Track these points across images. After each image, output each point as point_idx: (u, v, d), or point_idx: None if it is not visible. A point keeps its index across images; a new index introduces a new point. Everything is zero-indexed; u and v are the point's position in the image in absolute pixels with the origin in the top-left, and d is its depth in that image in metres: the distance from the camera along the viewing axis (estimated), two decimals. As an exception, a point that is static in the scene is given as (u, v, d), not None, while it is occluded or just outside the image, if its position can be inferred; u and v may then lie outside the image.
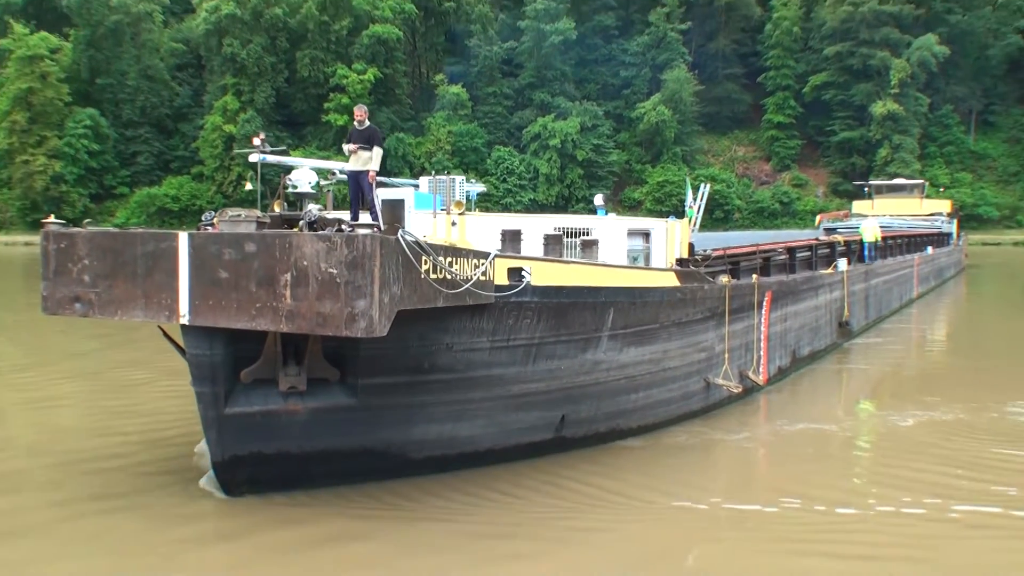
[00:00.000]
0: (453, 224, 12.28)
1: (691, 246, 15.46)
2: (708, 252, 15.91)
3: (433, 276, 8.59)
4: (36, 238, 9.47)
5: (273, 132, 79.65)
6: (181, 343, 9.16)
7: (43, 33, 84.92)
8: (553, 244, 11.96)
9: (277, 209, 10.88)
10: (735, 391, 14.42)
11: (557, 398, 11.15)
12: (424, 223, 12.59)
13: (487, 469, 10.52)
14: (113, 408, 14.00)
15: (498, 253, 9.77)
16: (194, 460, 10.81)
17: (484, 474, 10.38)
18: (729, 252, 16.81)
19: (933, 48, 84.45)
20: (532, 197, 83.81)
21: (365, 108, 11.50)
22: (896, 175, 70.70)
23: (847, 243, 25.35)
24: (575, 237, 13.08)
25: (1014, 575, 8.09)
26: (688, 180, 21.23)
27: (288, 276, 8.00)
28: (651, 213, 73.95)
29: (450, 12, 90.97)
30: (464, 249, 9.34)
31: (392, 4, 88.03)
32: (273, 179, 10.67)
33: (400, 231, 8.28)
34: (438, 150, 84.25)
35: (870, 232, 27.60)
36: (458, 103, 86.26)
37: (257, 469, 9.36)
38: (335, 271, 7.82)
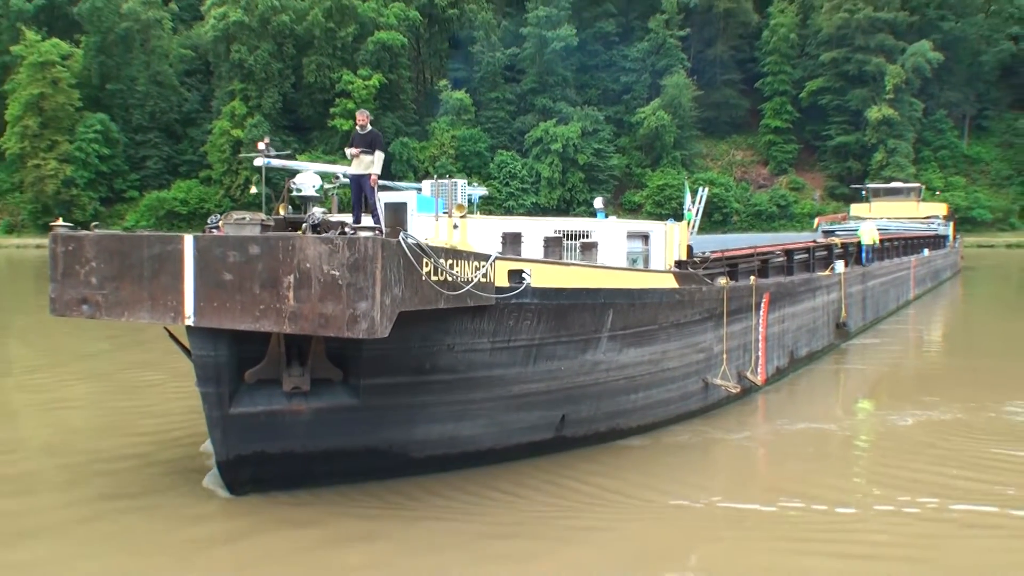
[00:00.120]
0: (455, 227, 12.45)
1: (690, 248, 15.61)
2: (706, 254, 16.05)
3: (434, 278, 8.73)
4: (47, 241, 9.60)
5: (280, 137, 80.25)
6: (187, 344, 9.34)
7: (54, 40, 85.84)
8: (553, 246, 12.11)
9: (282, 212, 11.06)
10: (733, 391, 14.55)
11: (557, 398, 11.30)
12: (426, 226, 12.76)
13: (488, 468, 10.65)
14: (123, 409, 14.13)
15: (498, 255, 9.90)
16: (201, 460, 10.96)
17: (485, 473, 10.50)
18: (727, 254, 16.94)
19: (927, 54, 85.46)
20: (534, 200, 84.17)
21: (367, 113, 11.67)
22: (891, 179, 71.22)
23: (844, 245, 25.46)
24: (575, 239, 13.24)
25: (1013, 575, 8.14)
26: (687, 184, 21.35)
27: (291, 278, 8.15)
28: (651, 216, 74.11)
29: (453, 19, 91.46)
30: (465, 251, 9.49)
31: (397, 11, 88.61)
32: (280, 183, 10.83)
33: (401, 234, 8.44)
34: (442, 154, 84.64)
35: (868, 234, 27.73)
36: (461, 108, 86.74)
37: (261, 468, 9.51)
38: (337, 273, 7.97)
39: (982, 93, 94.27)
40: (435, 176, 15.00)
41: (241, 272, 8.36)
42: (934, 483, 10.57)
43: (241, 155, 69.67)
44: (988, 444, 12.44)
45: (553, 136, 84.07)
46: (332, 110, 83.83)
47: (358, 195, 11.51)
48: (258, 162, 12.33)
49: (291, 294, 8.16)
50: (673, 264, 14.61)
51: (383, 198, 13.59)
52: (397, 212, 13.09)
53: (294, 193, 10.81)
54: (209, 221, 10.15)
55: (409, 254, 8.36)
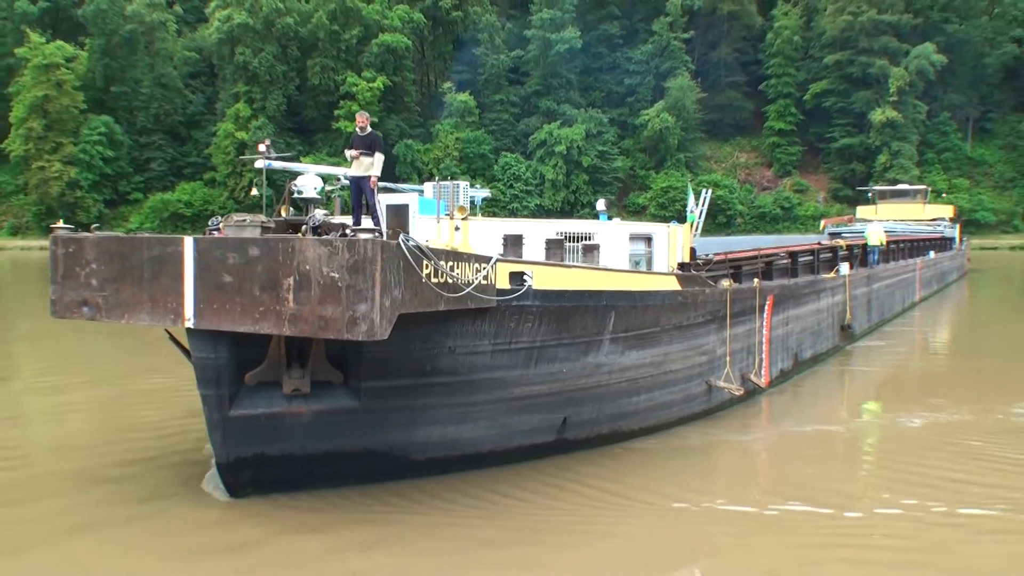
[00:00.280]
0: (456, 229, 12.40)
1: (693, 250, 15.56)
2: (710, 256, 15.99)
3: (434, 280, 8.70)
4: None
5: (284, 139, 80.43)
6: (187, 346, 9.32)
7: (59, 42, 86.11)
8: (555, 248, 12.06)
9: (283, 214, 11.05)
10: (737, 393, 14.49)
11: (559, 400, 11.25)
12: (428, 228, 12.72)
13: (489, 471, 10.61)
14: (127, 413, 14.07)
15: (500, 257, 9.87)
16: (204, 464, 10.90)
17: (486, 476, 10.46)
18: (731, 256, 16.89)
19: (931, 57, 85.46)
20: (538, 202, 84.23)
21: (367, 115, 11.66)
22: (895, 181, 71.28)
23: (849, 247, 25.39)
24: (577, 241, 13.20)
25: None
26: (690, 186, 21.28)
27: (291, 280, 8.13)
28: (655, 218, 74.02)
29: (458, 21, 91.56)
30: (466, 253, 9.45)
31: (401, 13, 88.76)
32: (283, 185, 10.81)
33: (401, 236, 8.41)
34: (446, 156, 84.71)
35: (875, 236, 27.69)
36: (465, 110, 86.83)
37: (261, 471, 9.49)
38: (337, 275, 7.95)
39: (985, 95, 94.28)
40: (437, 178, 14.97)
41: (241, 274, 8.34)
42: (941, 486, 10.48)
43: (241, 157, 69.80)
44: (996, 446, 12.34)
45: (557, 138, 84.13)
46: (336, 112, 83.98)
47: (358, 197, 11.50)
48: (259, 164, 12.33)
49: (291, 296, 8.14)
50: (676, 266, 14.55)
51: (385, 200, 13.57)
52: (399, 214, 13.07)
53: (295, 195, 10.79)
54: (210, 223, 10.15)
55: (409, 256, 8.33)
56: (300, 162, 16.06)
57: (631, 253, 14.15)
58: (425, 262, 8.55)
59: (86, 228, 9.91)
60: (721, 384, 14.19)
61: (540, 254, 12.32)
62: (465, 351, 9.88)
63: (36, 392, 16.59)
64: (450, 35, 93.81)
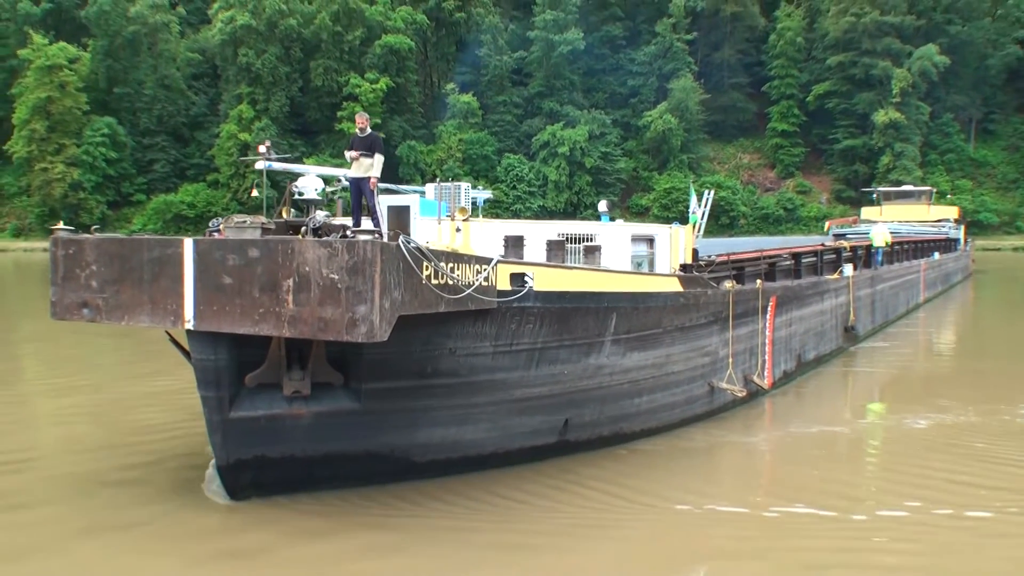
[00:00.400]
0: (457, 230, 12.38)
1: (695, 252, 15.52)
2: (712, 258, 15.95)
3: (434, 281, 8.67)
4: (51, 245, 9.54)
5: (287, 140, 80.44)
6: (188, 348, 9.29)
7: (62, 43, 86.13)
8: (556, 250, 12.03)
9: (284, 215, 11.04)
10: (739, 395, 14.43)
11: (560, 402, 11.21)
12: (429, 229, 12.70)
13: (491, 473, 10.57)
14: (129, 417, 13.99)
15: (500, 259, 9.84)
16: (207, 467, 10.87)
17: (487, 478, 10.42)
18: (733, 258, 16.85)
19: (934, 58, 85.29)
20: (541, 204, 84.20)
21: (366, 116, 11.65)
22: (899, 182, 71.07)
23: (853, 248, 25.32)
24: (578, 243, 13.17)
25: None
26: (692, 186, 21.20)
27: (290, 282, 8.11)
28: (658, 219, 74.00)
29: (461, 22, 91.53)
30: (466, 255, 9.43)
31: (404, 15, 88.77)
32: (286, 186, 10.80)
33: (401, 237, 8.38)
34: (449, 158, 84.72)
35: (880, 237, 27.64)
36: (469, 112, 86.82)
37: (261, 473, 9.46)
38: (336, 277, 7.92)
39: (988, 97, 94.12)
40: (438, 180, 14.94)
41: (240, 276, 8.32)
42: (946, 488, 10.40)
43: (241, 158, 69.91)
44: (1002, 448, 12.25)
45: (560, 139, 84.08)
46: (339, 114, 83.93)
47: (358, 198, 11.48)
48: (259, 165, 12.32)
49: (290, 298, 8.11)
50: (678, 267, 14.51)
51: (386, 201, 13.54)
52: (400, 215, 13.04)
53: (296, 196, 10.78)
54: (211, 224, 10.13)
55: (408, 258, 8.30)
56: (303, 163, 16.07)
57: (633, 254, 14.12)
58: (425, 263, 8.53)
59: (88, 230, 9.89)
60: (723, 385, 14.15)
61: (541, 255, 12.29)
62: (466, 353, 9.85)
63: (40, 395, 16.58)
64: (453, 36, 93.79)
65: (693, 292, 13.32)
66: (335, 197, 14.31)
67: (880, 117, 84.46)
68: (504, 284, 9.77)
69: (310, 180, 10.91)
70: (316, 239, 8.27)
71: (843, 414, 15.21)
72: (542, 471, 10.83)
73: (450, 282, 8.85)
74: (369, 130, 11.43)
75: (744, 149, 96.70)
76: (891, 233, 30.26)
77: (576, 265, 12.03)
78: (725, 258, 16.48)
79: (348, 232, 8.78)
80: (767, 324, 16.08)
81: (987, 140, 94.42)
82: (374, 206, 11.46)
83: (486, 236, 12.50)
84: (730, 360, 14.44)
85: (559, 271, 10.81)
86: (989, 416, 14.22)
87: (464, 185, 14.92)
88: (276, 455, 9.44)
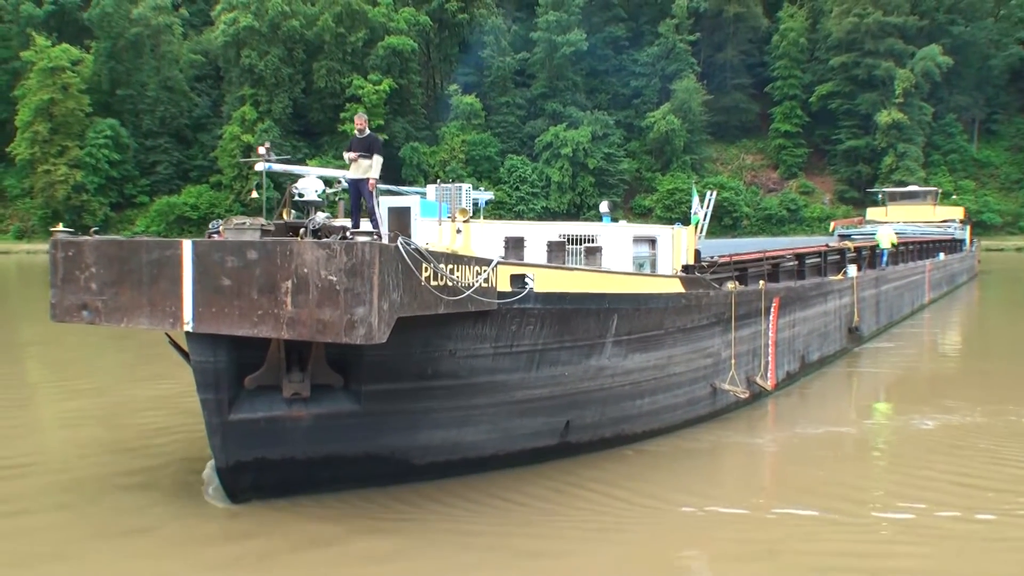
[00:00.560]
0: (458, 231, 12.34)
1: (697, 252, 15.46)
2: (715, 259, 15.89)
3: (434, 283, 8.64)
4: (52, 247, 9.50)
5: (290, 142, 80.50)
6: (187, 350, 9.26)
7: (64, 45, 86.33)
8: (556, 251, 11.99)
9: (285, 217, 11.01)
10: (742, 396, 14.36)
11: (562, 404, 11.16)
12: (430, 231, 12.66)
13: (491, 475, 10.53)
14: (136, 420, 13.93)
15: (501, 260, 9.80)
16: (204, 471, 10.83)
17: (488, 480, 10.38)
18: (736, 258, 16.79)
19: (936, 58, 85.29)
20: (544, 205, 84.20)
21: (365, 117, 11.63)
22: (901, 183, 71.03)
23: (857, 249, 25.24)
24: (579, 244, 13.12)
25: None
26: (694, 187, 21.15)
27: (289, 283, 8.08)
28: (661, 220, 73.92)
29: (463, 24, 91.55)
30: (466, 256, 9.40)
31: (407, 16, 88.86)
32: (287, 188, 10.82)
33: (399, 238, 8.34)
34: (452, 159, 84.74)
35: (886, 239, 27.57)
36: (471, 113, 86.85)
37: (261, 475, 9.42)
38: (335, 278, 7.89)
39: (991, 97, 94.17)
40: (439, 181, 14.91)
41: (239, 277, 8.30)
42: (953, 491, 10.30)
43: (241, 160, 69.99)
44: (1009, 449, 12.15)
45: (563, 140, 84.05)
46: (342, 115, 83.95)
47: (356, 200, 11.45)
48: (259, 167, 12.30)
49: (289, 299, 8.08)
50: (680, 268, 14.45)
51: (386, 203, 13.51)
52: (400, 217, 13.00)
53: (296, 198, 10.75)
54: (211, 226, 10.11)
55: (407, 259, 8.27)
56: (306, 164, 16.04)
57: (635, 255, 14.07)
58: (424, 265, 8.49)
59: (88, 232, 9.86)
60: (726, 387, 14.08)
61: (542, 257, 12.24)
62: (466, 354, 9.81)
63: (43, 399, 16.55)
64: (456, 37, 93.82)
65: (695, 293, 13.26)
66: (337, 199, 14.29)
67: (883, 118, 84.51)
68: (504, 285, 9.73)
69: (310, 182, 10.89)
70: (314, 241, 8.23)
71: (848, 415, 15.13)
72: (543, 473, 10.78)
73: (449, 283, 8.81)
74: (368, 131, 11.40)
75: (747, 150, 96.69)
76: (897, 234, 30.18)
77: (577, 266, 11.98)
78: (728, 259, 16.42)
79: (348, 234, 8.74)
80: (770, 325, 16.01)
81: (990, 141, 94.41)
82: (373, 207, 11.43)
83: (487, 237, 12.46)
84: (732, 361, 14.38)
85: (560, 272, 10.77)
86: (995, 417, 14.13)
87: (465, 186, 14.88)
88: (276, 457, 9.41)
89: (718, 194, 23.88)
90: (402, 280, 8.22)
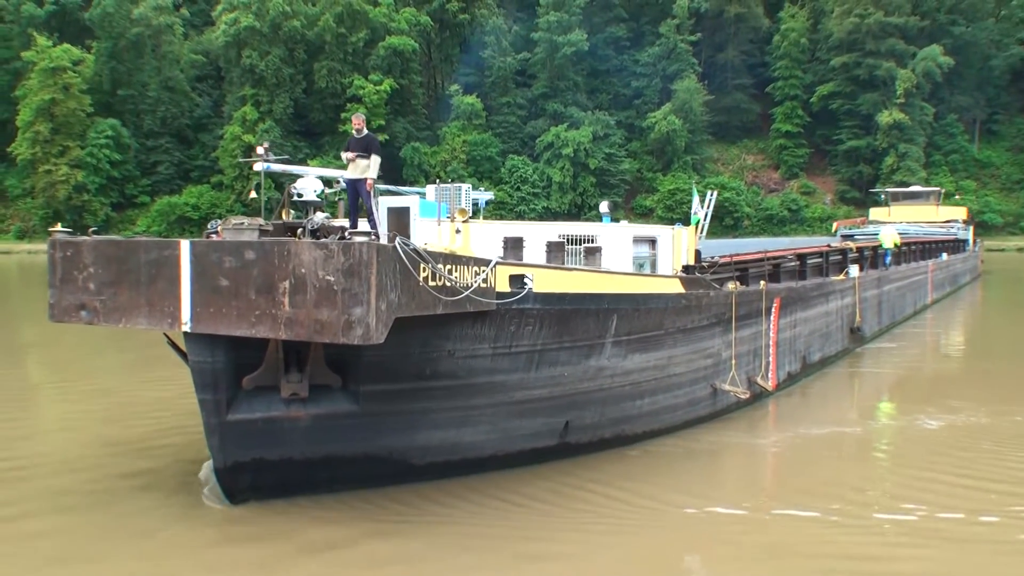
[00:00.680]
0: (457, 231, 12.31)
1: (698, 253, 15.41)
2: (715, 259, 15.84)
3: (432, 283, 8.61)
4: (52, 247, 9.44)
5: (291, 142, 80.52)
6: (185, 350, 9.23)
7: (66, 45, 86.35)
8: (556, 251, 11.94)
9: (284, 217, 10.98)
10: (743, 397, 14.31)
11: (561, 404, 11.13)
12: (429, 231, 12.63)
13: (490, 476, 10.49)
14: (138, 422, 13.85)
15: (499, 260, 9.76)
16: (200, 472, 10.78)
17: (487, 481, 10.34)
18: (737, 259, 16.75)
19: (937, 59, 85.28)
20: (545, 205, 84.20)
21: (363, 117, 11.58)
22: (903, 183, 70.96)
23: (859, 249, 25.17)
24: (579, 244, 13.08)
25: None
26: (695, 187, 21.07)
27: (286, 284, 8.05)
28: (662, 221, 73.88)
29: (464, 24, 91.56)
30: (464, 256, 9.36)
31: (408, 16, 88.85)
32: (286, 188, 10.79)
33: (397, 238, 8.31)
34: (453, 159, 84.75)
35: (889, 239, 27.51)
36: (472, 113, 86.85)
37: (259, 475, 9.40)
38: (332, 279, 7.86)
39: (992, 97, 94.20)
40: (439, 181, 14.86)
41: (237, 277, 8.27)
42: (956, 493, 10.23)
43: (240, 160, 70.01)
44: (1013, 450, 12.07)
45: (564, 141, 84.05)
46: (343, 115, 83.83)
47: (354, 200, 11.41)
48: (257, 167, 12.28)
49: (286, 300, 8.05)
50: (680, 269, 14.40)
51: (386, 203, 13.47)
52: (400, 217, 12.97)
53: (295, 198, 10.72)
54: (209, 226, 10.08)
55: (405, 259, 8.23)
56: (307, 165, 16.02)
57: (635, 255, 14.02)
58: (422, 265, 8.45)
59: (96, 232, 9.81)
60: (726, 387, 14.03)
61: (541, 257, 12.20)
62: (465, 355, 9.77)
63: (44, 401, 16.50)
64: (457, 38, 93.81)
65: (695, 293, 13.22)
66: (337, 199, 14.25)
67: (884, 118, 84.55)
68: (503, 286, 9.69)
69: (309, 182, 10.86)
70: (311, 241, 8.20)
71: (849, 415, 15.07)
72: (542, 474, 10.74)
73: (448, 284, 8.78)
74: (365, 131, 11.36)
75: (748, 150, 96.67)
76: (899, 234, 30.11)
77: (576, 266, 11.94)
78: (728, 259, 16.37)
79: (345, 234, 8.71)
80: (771, 325, 15.96)
81: (991, 141, 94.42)
82: (371, 207, 11.39)
83: (486, 237, 12.42)
84: (733, 362, 14.33)
85: (559, 272, 10.73)
86: (999, 417, 14.06)
87: (464, 186, 14.84)
88: (274, 458, 9.38)
89: (719, 194, 23.84)
90: (400, 280, 8.18)
